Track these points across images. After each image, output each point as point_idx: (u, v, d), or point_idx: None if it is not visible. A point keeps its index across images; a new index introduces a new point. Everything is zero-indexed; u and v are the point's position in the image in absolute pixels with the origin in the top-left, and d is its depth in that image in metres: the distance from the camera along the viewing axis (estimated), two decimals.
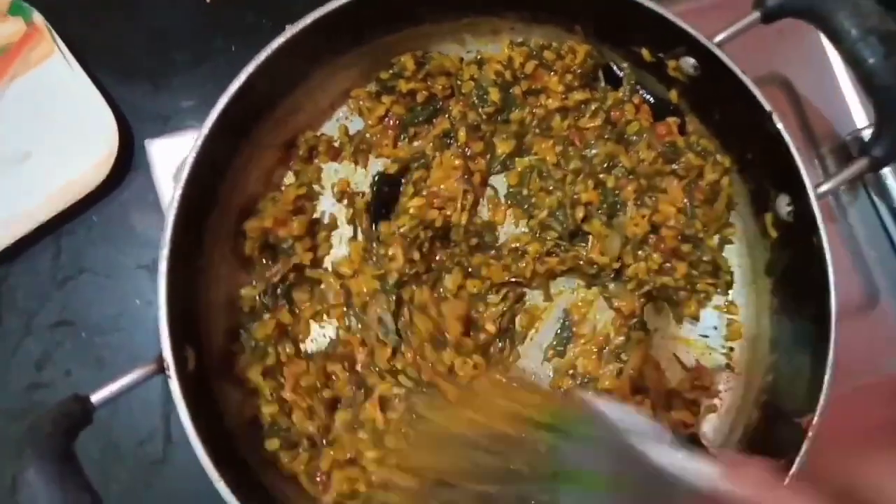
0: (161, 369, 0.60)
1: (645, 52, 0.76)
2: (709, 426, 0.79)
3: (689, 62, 0.74)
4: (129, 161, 0.88)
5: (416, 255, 0.72)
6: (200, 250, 0.71)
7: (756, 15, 0.71)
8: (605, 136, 0.79)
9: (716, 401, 0.79)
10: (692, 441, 0.76)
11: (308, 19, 0.68)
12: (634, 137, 0.80)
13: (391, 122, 0.79)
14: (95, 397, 0.58)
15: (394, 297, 0.71)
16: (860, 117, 0.90)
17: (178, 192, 0.63)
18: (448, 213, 0.74)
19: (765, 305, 0.79)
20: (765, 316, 0.78)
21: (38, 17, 0.88)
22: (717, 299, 0.81)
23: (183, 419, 0.59)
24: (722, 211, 0.80)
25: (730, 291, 0.80)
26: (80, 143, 0.85)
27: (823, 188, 0.69)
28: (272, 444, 0.70)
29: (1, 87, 0.89)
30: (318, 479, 0.71)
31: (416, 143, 0.80)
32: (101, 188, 0.85)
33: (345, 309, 0.74)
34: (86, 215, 0.89)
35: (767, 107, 0.69)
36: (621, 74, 0.80)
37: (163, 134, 0.87)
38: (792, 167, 0.69)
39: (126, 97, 0.89)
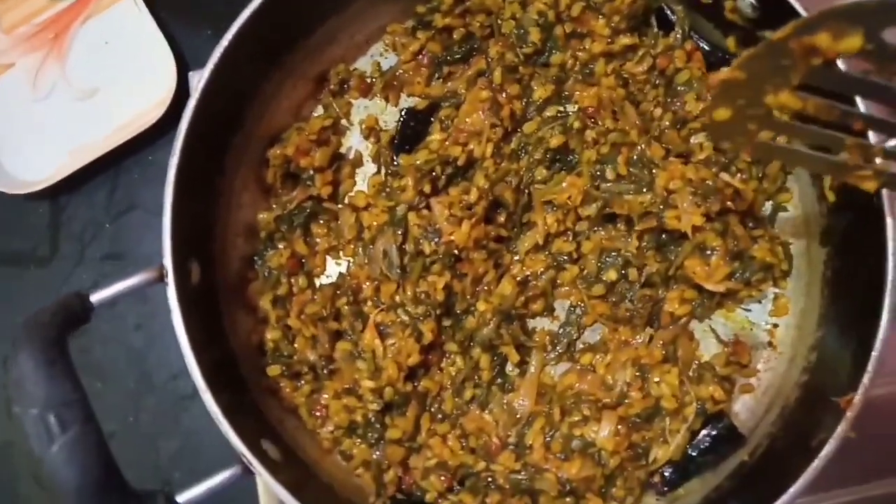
0: (161, 277, 0.60)
1: None
2: (741, 406, 0.73)
3: (746, 2, 0.67)
4: (185, 104, 0.90)
5: (428, 188, 0.69)
6: (221, 170, 0.71)
7: None
8: (654, 83, 0.74)
9: (752, 380, 0.73)
10: (720, 420, 0.70)
11: None
12: (682, 88, 0.74)
13: (425, 59, 0.77)
14: (95, 297, 0.58)
15: (400, 231, 0.69)
16: None
17: (194, 100, 0.63)
18: (472, 147, 0.70)
19: (817, 277, 0.71)
20: (816, 288, 0.71)
21: None
22: None
23: (176, 325, 0.59)
24: (776, 173, 0.73)
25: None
26: (142, 82, 0.88)
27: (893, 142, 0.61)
28: (274, 370, 0.69)
29: (76, 26, 0.94)
30: (317, 413, 0.70)
31: (449, 84, 0.77)
32: (158, 128, 0.87)
33: (356, 243, 0.72)
34: (142, 154, 0.91)
35: None
36: (674, 18, 0.74)
37: None
38: None
39: (188, 41, 0.91)
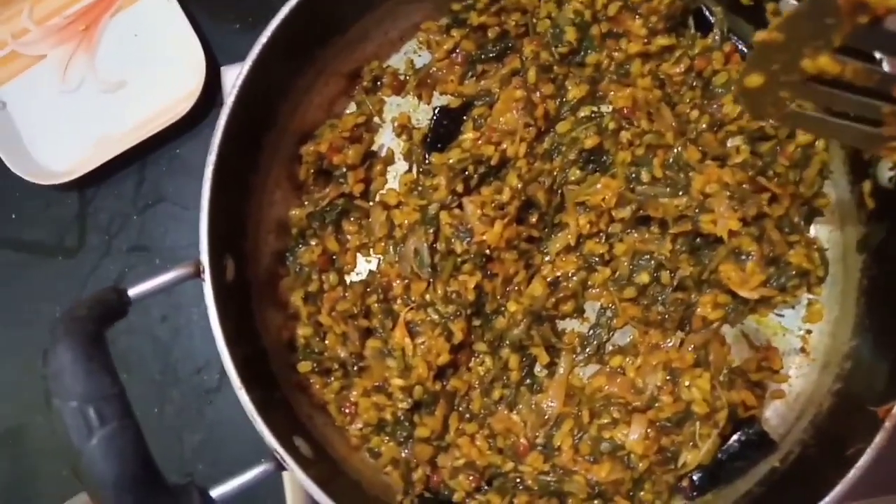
0: (198, 272, 0.60)
1: None
2: (773, 412, 0.72)
3: (788, 3, 0.67)
4: (213, 97, 0.90)
5: (460, 187, 0.69)
6: (255, 167, 0.71)
7: None
8: (691, 85, 0.73)
9: (784, 386, 0.72)
10: (751, 425, 0.69)
11: None
12: (720, 90, 0.73)
13: (459, 57, 0.77)
14: (133, 291, 0.59)
15: (432, 230, 0.69)
16: None
17: (232, 97, 0.63)
18: (505, 146, 0.70)
19: (853, 285, 0.70)
20: (851, 297, 0.70)
21: None
22: None
23: (212, 321, 0.59)
24: (814, 178, 0.72)
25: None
26: (171, 75, 0.89)
27: None
28: (304, 366, 0.69)
29: (106, 18, 0.94)
30: (346, 409, 0.70)
31: (482, 82, 0.76)
32: (186, 122, 0.87)
33: (387, 241, 0.72)
34: (170, 147, 0.92)
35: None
36: (712, 19, 0.73)
37: None
38: None
39: (217, 36, 0.91)
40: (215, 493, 0.55)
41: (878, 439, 0.57)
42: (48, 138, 0.90)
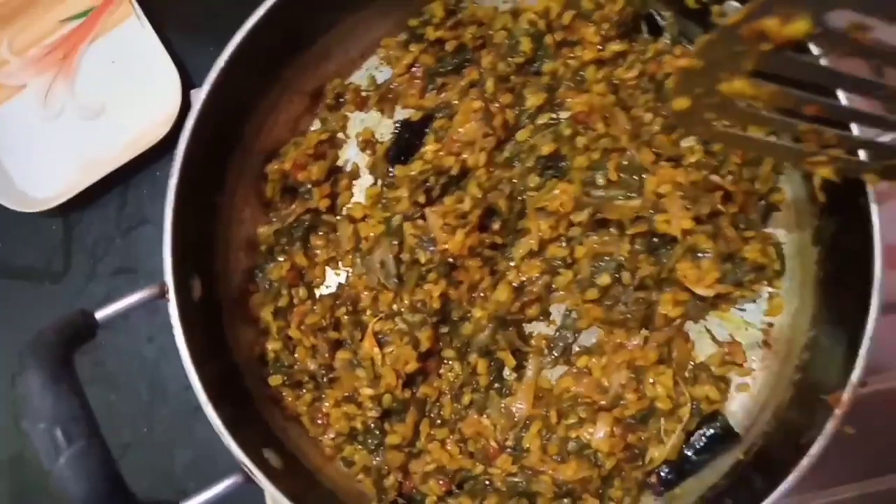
0: (163, 293, 0.62)
1: None
2: (737, 404, 0.73)
3: (732, 6, 0.68)
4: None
5: (422, 199, 0.71)
6: (221, 186, 0.73)
7: None
8: (645, 89, 0.74)
9: (748, 379, 0.74)
10: (716, 419, 0.70)
11: None
12: None
13: (419, 71, 0.78)
14: (100, 314, 0.61)
15: (397, 242, 0.70)
16: None
17: (193, 118, 0.64)
18: (465, 157, 0.72)
19: (809, 277, 0.72)
20: (809, 289, 0.72)
21: None
22: None
23: (177, 340, 0.61)
24: (768, 174, 0.73)
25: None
26: (148, 100, 0.91)
27: (882, 138, 0.61)
28: (275, 379, 0.71)
29: (83, 46, 0.96)
30: (319, 420, 0.72)
31: (442, 95, 0.78)
32: (165, 144, 0.88)
33: (354, 254, 0.74)
34: (150, 170, 0.94)
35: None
36: (663, 24, 0.75)
37: None
38: None
39: (192, 59, 0.93)
40: None
41: (829, 427, 0.58)
42: (31, 165, 0.92)
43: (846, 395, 0.58)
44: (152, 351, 0.92)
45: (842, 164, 0.52)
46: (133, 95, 0.92)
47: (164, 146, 0.89)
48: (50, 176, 0.92)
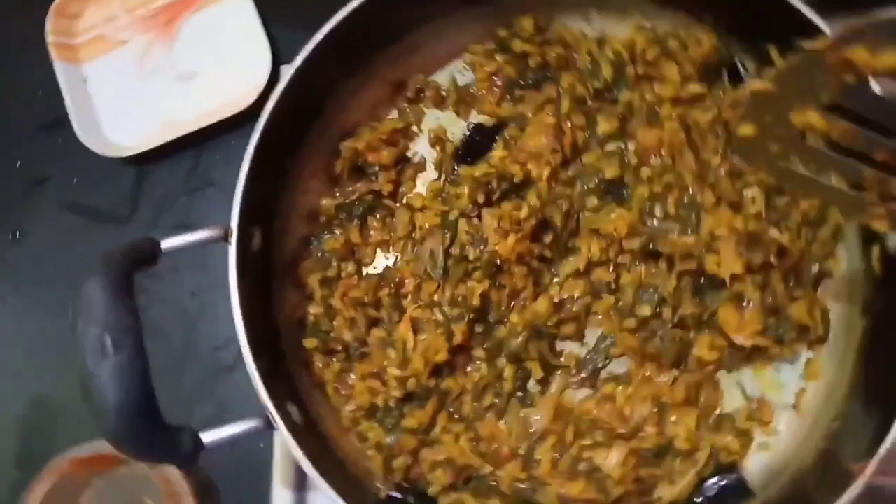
0: (226, 237, 0.65)
1: (773, 51, 0.72)
2: (756, 462, 0.72)
3: None
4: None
5: (481, 199, 0.73)
6: (295, 153, 0.76)
7: None
8: (717, 133, 0.75)
9: (772, 439, 0.72)
10: (732, 471, 0.70)
11: None
12: None
13: (499, 80, 0.81)
14: (165, 244, 0.64)
15: (449, 235, 0.72)
16: None
17: (281, 87, 0.68)
18: (530, 168, 0.74)
19: (852, 349, 0.71)
20: (849, 360, 0.71)
21: None
22: None
23: (231, 281, 0.64)
24: (827, 239, 0.73)
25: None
26: (238, 72, 0.96)
27: None
28: (310, 342, 0.73)
29: (187, 13, 1.02)
30: (343, 392, 0.73)
31: (518, 106, 0.80)
32: (246, 116, 0.93)
33: (407, 241, 0.76)
34: (227, 138, 0.98)
35: None
36: (745, 74, 0.76)
37: None
38: None
39: (284, 38, 0.97)
40: (206, 438, 0.59)
41: (847, 496, 0.57)
42: (119, 116, 0.98)
43: (871, 468, 0.57)
44: (195, 305, 0.95)
45: None
46: (224, 66, 0.97)
47: (245, 118, 0.93)
48: (134, 127, 0.97)
